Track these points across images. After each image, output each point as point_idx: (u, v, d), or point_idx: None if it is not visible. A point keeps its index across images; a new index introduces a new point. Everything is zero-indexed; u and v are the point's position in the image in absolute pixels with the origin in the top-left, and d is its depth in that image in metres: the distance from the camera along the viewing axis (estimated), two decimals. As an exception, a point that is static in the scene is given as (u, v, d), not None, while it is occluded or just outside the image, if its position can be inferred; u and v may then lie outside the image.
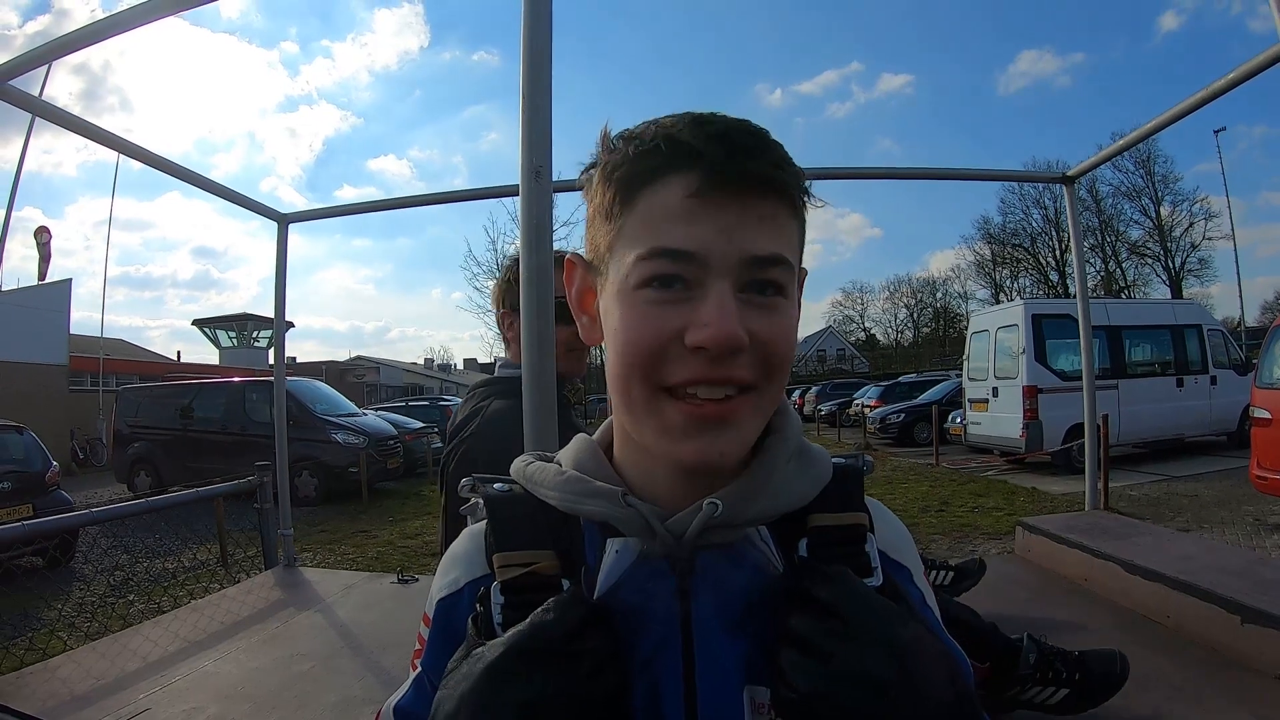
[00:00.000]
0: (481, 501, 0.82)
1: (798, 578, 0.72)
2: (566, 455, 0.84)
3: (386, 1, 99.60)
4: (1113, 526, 4.09)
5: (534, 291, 1.79)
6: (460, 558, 0.83)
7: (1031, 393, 13.29)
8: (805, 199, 0.75)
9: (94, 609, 5.82)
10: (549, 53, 1.84)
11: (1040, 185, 43.43)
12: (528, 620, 0.68)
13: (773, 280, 0.70)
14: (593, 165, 0.78)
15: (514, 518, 0.79)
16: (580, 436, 0.86)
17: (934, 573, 3.37)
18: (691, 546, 0.73)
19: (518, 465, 0.85)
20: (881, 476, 13.41)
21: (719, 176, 0.68)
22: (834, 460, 0.83)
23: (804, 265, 0.81)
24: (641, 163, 0.71)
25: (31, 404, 21.41)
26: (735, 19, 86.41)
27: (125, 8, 2.61)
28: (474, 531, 0.84)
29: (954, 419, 16.87)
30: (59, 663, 3.41)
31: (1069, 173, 4.39)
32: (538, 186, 1.79)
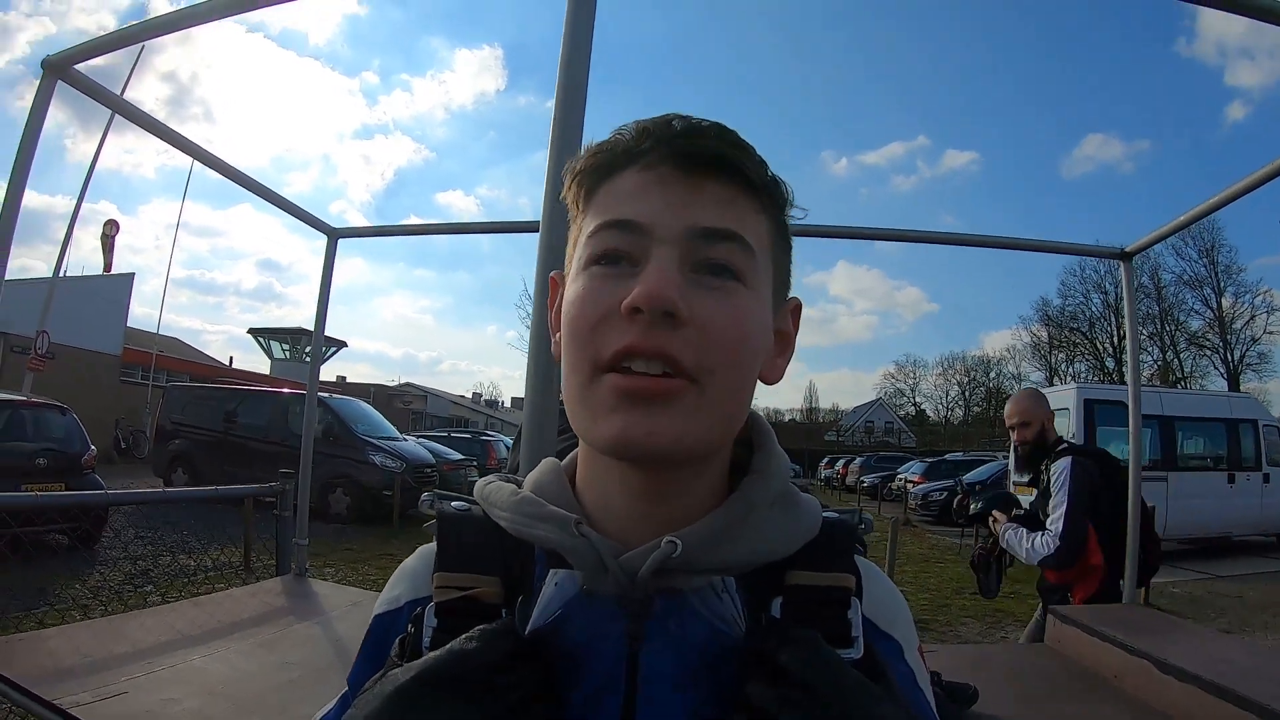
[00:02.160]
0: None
1: (762, 638, 0.64)
2: (530, 476, 0.79)
3: (468, 43, 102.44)
4: (1150, 622, 3.88)
5: (542, 317, 1.74)
6: (407, 574, 0.80)
7: None
8: (783, 202, 0.73)
9: (109, 594, 5.85)
10: (584, 85, 1.82)
11: (1101, 269, 42.92)
12: (447, 646, 0.62)
13: (725, 261, 0.67)
14: None
15: (462, 538, 0.74)
16: (547, 459, 0.81)
17: None
18: (646, 588, 0.66)
19: (479, 484, 0.79)
20: (918, 554, 13.17)
21: (670, 152, 0.67)
22: (826, 514, 0.75)
23: (798, 297, 0.79)
24: (603, 155, 0.71)
25: (82, 389, 21.87)
26: (804, 84, 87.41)
27: (193, 3, 2.65)
28: (427, 549, 0.79)
29: None
30: (51, 634, 3.40)
31: (1127, 249, 4.26)
32: (558, 208, 1.75)
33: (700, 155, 0.67)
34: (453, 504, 0.78)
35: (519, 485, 0.77)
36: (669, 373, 0.64)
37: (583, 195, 0.73)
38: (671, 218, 0.66)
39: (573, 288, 0.69)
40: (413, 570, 0.79)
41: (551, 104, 1.80)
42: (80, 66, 2.79)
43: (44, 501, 5.07)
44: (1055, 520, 3.75)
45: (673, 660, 0.66)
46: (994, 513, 4.04)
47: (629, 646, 0.66)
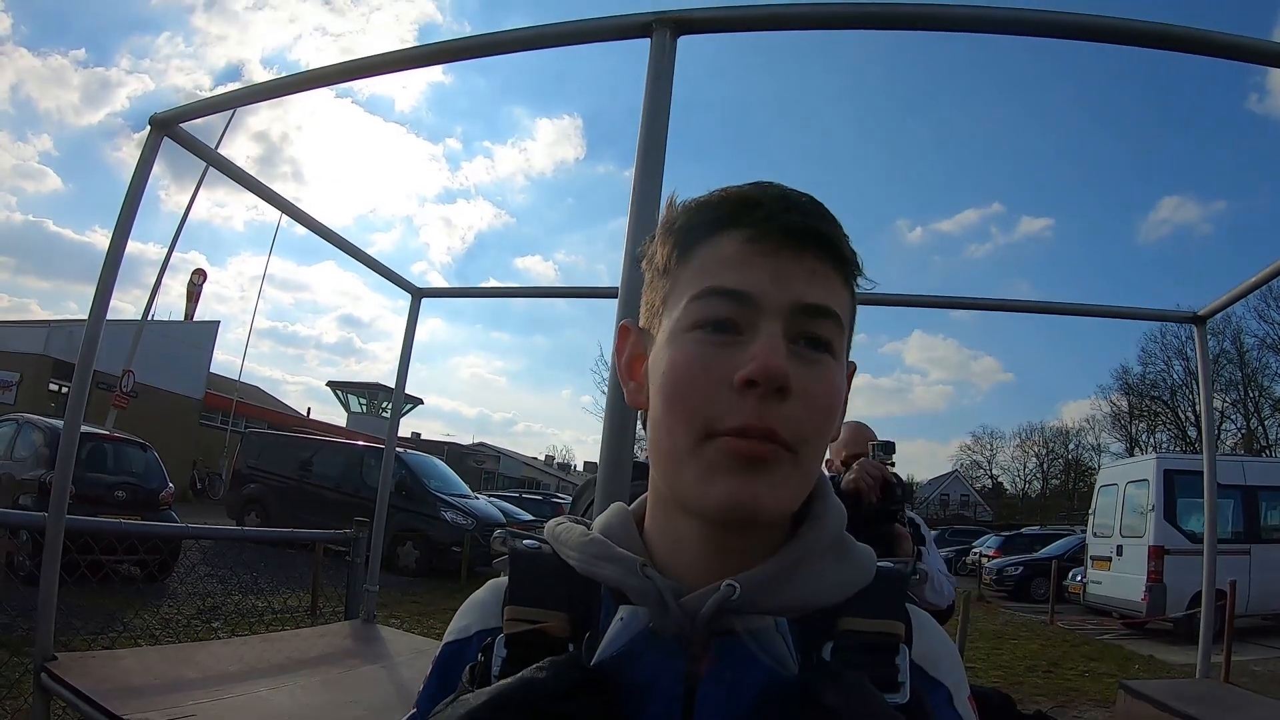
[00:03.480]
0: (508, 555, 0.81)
1: (811, 679, 0.66)
2: (599, 519, 0.82)
3: (549, 112, 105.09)
4: (1225, 698, 3.70)
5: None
6: (476, 605, 0.82)
7: (1158, 553, 12.47)
8: (857, 275, 0.75)
9: (178, 627, 5.95)
10: (662, 154, 1.90)
11: (1183, 334, 41.34)
12: (518, 675, 0.65)
13: (822, 335, 0.70)
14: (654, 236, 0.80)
15: (534, 574, 0.77)
16: (616, 504, 0.84)
17: None
18: (705, 630, 0.68)
19: (550, 525, 0.82)
20: (991, 631, 12.72)
21: (774, 225, 0.69)
22: (880, 564, 0.77)
23: (855, 362, 0.80)
24: (702, 215, 0.73)
25: (163, 429, 22.55)
26: (877, 152, 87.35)
27: (289, 74, 2.87)
28: (497, 583, 0.82)
29: (1074, 576, 16.10)
30: (124, 654, 3.51)
31: (1200, 312, 4.12)
32: (636, 272, 1.80)
33: (804, 231, 0.70)
34: (524, 542, 0.81)
35: (588, 527, 0.80)
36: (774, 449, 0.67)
37: (677, 253, 0.74)
38: (779, 292, 0.68)
39: (676, 349, 0.71)
40: (482, 602, 0.81)
41: (630, 173, 1.89)
42: (184, 125, 2.95)
43: (124, 529, 5.23)
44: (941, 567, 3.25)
45: (727, 700, 0.67)
46: None
47: (686, 684, 0.68)
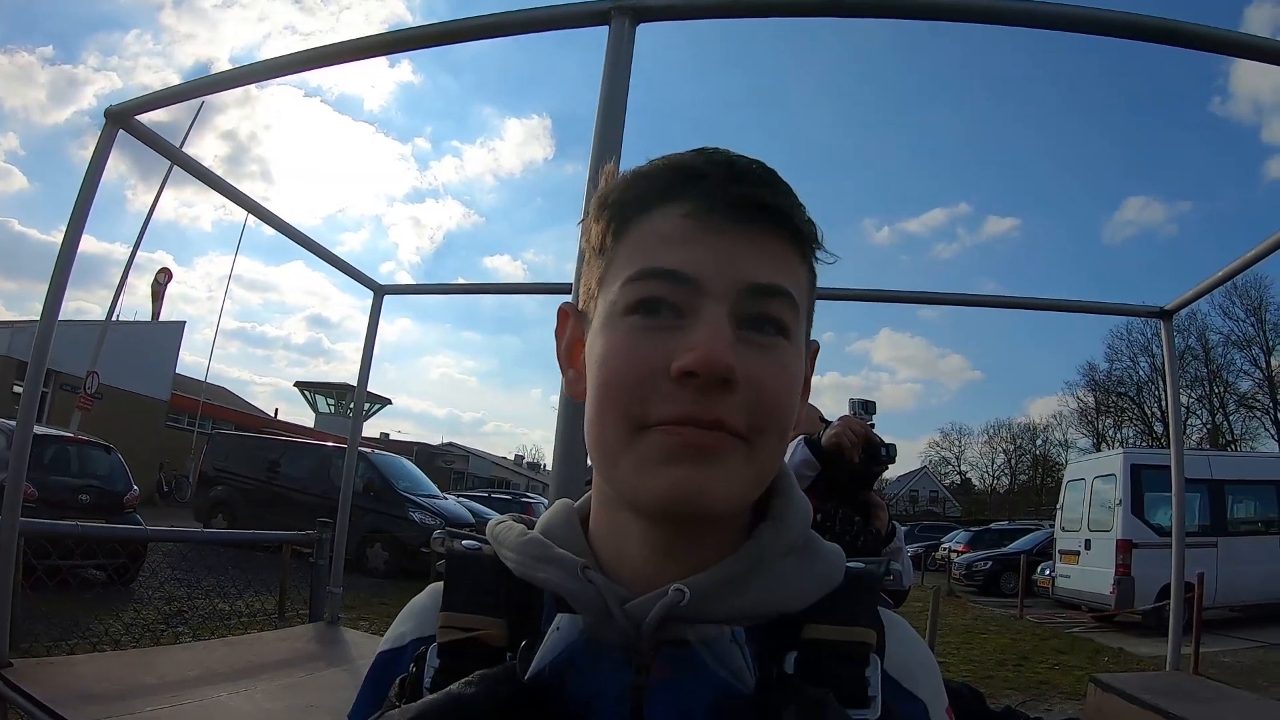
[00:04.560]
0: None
1: (770, 695, 0.61)
2: (542, 518, 0.75)
3: (518, 112, 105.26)
4: (1195, 690, 3.73)
5: None
6: (415, 612, 0.76)
7: (1126, 547, 12.64)
8: (815, 249, 0.69)
9: (142, 631, 5.87)
10: (619, 136, 1.92)
11: (1149, 331, 42.03)
12: (445, 689, 0.59)
13: (773, 316, 0.64)
14: None
15: (471, 577, 0.70)
16: (560, 500, 0.78)
17: None
18: (652, 639, 0.62)
19: (491, 523, 0.76)
20: (961, 626, 12.82)
21: (720, 198, 0.63)
22: (850, 564, 0.71)
23: (817, 341, 0.75)
24: (638, 187, 0.67)
25: (128, 432, 22.16)
26: (844, 152, 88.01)
27: (248, 64, 2.90)
28: (437, 588, 0.74)
29: (1043, 570, 16.31)
30: (81, 660, 3.48)
31: (1166, 307, 4.23)
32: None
33: (753, 203, 0.64)
34: (464, 543, 0.74)
35: (530, 526, 0.74)
36: (720, 437, 0.61)
37: (612, 229, 0.68)
38: (722, 271, 0.62)
39: (607, 337, 0.65)
40: (421, 608, 0.76)
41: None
42: (143, 118, 2.91)
43: (85, 532, 5.14)
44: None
45: (678, 715, 0.63)
46: None
47: (633, 699, 0.63)
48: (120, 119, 2.84)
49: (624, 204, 0.67)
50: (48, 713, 2.57)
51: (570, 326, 0.75)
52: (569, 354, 0.75)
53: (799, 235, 0.67)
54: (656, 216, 0.65)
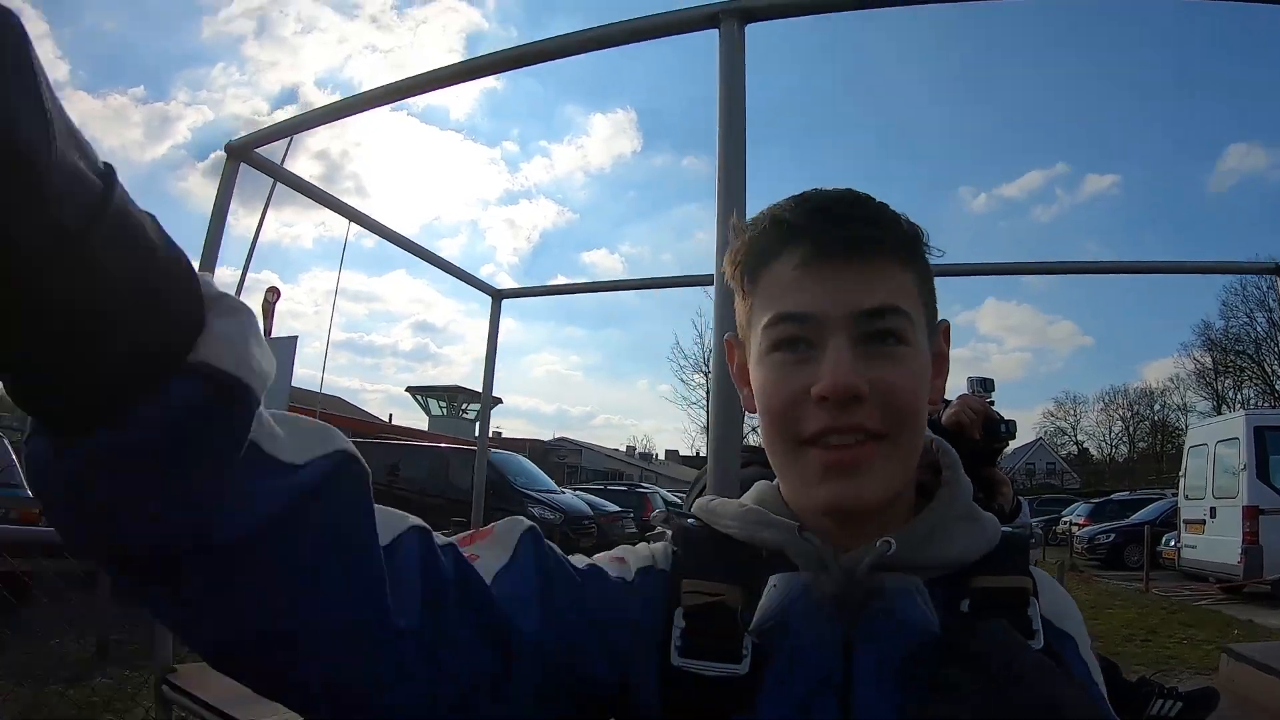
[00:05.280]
0: (669, 533, 0.87)
1: (955, 631, 0.72)
2: (749, 494, 0.88)
3: (603, 108, 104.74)
4: (1332, 657, 3.66)
5: (721, 360, 1.82)
6: (656, 556, 0.85)
7: (1252, 514, 11.85)
8: (922, 248, 0.82)
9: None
10: (743, 138, 1.93)
11: (1264, 285, 39.28)
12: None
13: (889, 329, 0.75)
14: None
15: (703, 548, 0.83)
16: (761, 481, 0.90)
17: (1159, 702, 2.93)
18: (863, 589, 0.74)
19: (701, 502, 0.88)
20: (1086, 601, 12.23)
21: (822, 245, 0.76)
22: (1003, 529, 0.83)
23: (945, 319, 0.86)
24: (756, 245, 0.80)
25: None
26: (938, 119, 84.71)
27: (352, 95, 2.92)
28: (658, 549, 0.86)
29: (1168, 541, 15.42)
30: None
31: None
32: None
33: (844, 242, 0.75)
34: (686, 520, 0.87)
35: (740, 502, 0.87)
36: (861, 440, 0.74)
37: (746, 278, 0.82)
38: (835, 305, 0.74)
39: (761, 372, 0.79)
40: (664, 555, 0.85)
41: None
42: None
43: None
44: None
45: (882, 658, 0.73)
46: None
47: (844, 648, 0.74)
48: (242, 153, 2.95)
49: (749, 264, 0.81)
50: (215, 712, 2.69)
51: (737, 354, 0.88)
52: (740, 376, 0.87)
53: (897, 248, 0.78)
54: (776, 268, 0.78)
